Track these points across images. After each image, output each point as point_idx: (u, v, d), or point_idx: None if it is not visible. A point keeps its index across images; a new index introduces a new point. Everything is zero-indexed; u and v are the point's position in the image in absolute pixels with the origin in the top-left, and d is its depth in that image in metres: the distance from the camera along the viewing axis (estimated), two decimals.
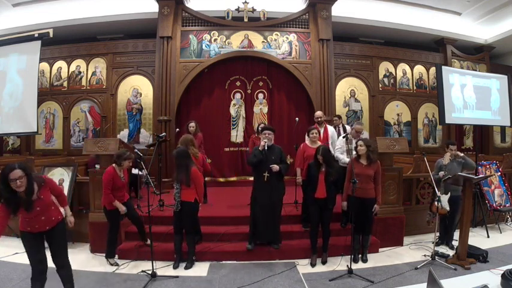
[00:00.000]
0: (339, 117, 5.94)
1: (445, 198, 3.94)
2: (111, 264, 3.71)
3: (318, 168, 3.63)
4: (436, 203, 3.86)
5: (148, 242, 3.75)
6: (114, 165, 3.73)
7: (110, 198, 3.62)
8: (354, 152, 3.92)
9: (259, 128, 4.78)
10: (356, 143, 3.81)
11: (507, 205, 5.14)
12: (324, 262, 3.72)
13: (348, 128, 5.44)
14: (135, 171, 5.22)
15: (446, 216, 4.14)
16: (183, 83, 6.81)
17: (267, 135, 3.85)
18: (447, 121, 5.51)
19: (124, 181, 3.79)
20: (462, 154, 4.23)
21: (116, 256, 3.87)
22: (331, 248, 3.82)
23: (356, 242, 3.81)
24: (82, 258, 3.94)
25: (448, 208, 3.94)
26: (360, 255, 3.85)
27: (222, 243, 3.98)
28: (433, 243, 4.00)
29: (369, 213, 3.71)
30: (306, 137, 4.46)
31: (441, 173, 4.05)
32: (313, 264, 3.70)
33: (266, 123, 7.02)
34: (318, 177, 3.60)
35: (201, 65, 6.86)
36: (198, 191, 3.62)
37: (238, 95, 7.14)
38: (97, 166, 5.12)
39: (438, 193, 3.84)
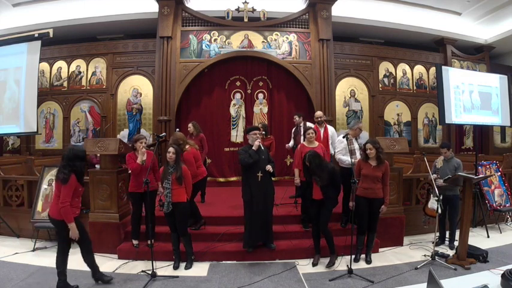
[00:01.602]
0: (299, 115, 5.29)
1: (434, 200, 3.94)
2: (133, 246, 3.97)
3: (309, 173, 3.63)
4: (431, 201, 3.86)
5: (148, 241, 3.76)
6: (133, 152, 3.98)
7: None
8: (358, 152, 3.91)
9: (258, 129, 4.70)
10: (364, 145, 3.79)
11: (507, 205, 5.14)
12: (329, 264, 3.64)
13: (309, 125, 5.10)
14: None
15: (444, 216, 4.14)
16: (183, 83, 6.81)
17: (257, 135, 3.86)
18: (447, 121, 5.51)
19: (138, 164, 3.77)
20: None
21: (136, 242, 4.00)
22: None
23: (360, 243, 3.82)
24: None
25: (435, 209, 3.93)
26: (361, 256, 3.85)
27: (222, 243, 3.98)
28: (433, 243, 4.00)
29: (376, 213, 3.72)
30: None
31: (433, 176, 4.05)
32: (314, 264, 3.69)
33: (266, 123, 7.02)
34: (312, 180, 3.60)
35: (201, 65, 6.86)
36: (188, 190, 3.62)
37: (238, 95, 7.14)
38: (97, 166, 5.12)
39: (436, 193, 3.83)
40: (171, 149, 3.56)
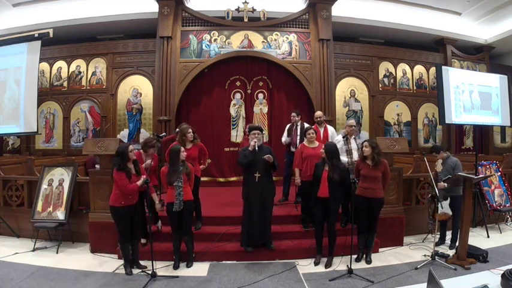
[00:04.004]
0: (298, 113, 5.09)
1: (445, 204, 3.94)
2: (142, 244, 3.94)
3: (322, 166, 3.63)
4: (438, 205, 3.85)
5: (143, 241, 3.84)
6: (141, 151, 4.08)
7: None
8: (356, 153, 3.90)
9: (247, 129, 4.61)
10: (362, 143, 3.80)
11: (507, 205, 5.13)
12: (328, 265, 3.67)
13: (306, 125, 4.98)
14: None
15: (447, 220, 4.14)
16: (183, 83, 6.81)
17: (256, 135, 3.82)
18: (447, 121, 5.50)
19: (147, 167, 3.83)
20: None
21: (144, 241, 3.99)
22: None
23: (361, 242, 3.82)
24: (82, 258, 3.95)
25: (450, 213, 3.95)
26: (363, 256, 3.84)
27: (222, 243, 3.97)
28: (433, 242, 4.00)
29: (376, 212, 3.72)
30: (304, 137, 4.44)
31: (441, 185, 4.00)
32: (316, 263, 3.71)
33: (266, 123, 7.02)
34: (321, 176, 3.59)
35: (201, 65, 6.86)
36: (191, 188, 3.67)
37: (238, 95, 7.13)
38: (97, 166, 5.13)
39: (436, 192, 3.83)
40: (183, 148, 3.65)
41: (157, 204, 3.65)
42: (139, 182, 3.42)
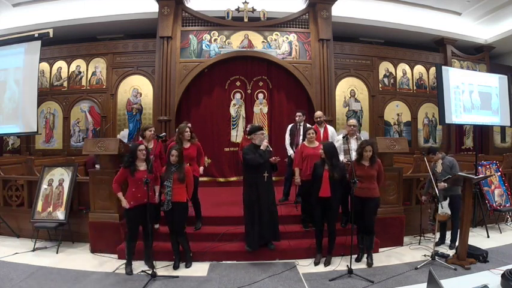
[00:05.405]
0: (303, 113, 5.10)
1: (445, 204, 3.94)
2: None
3: (322, 166, 3.64)
4: (439, 205, 3.85)
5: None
6: (141, 139, 4.16)
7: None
8: (354, 153, 3.90)
9: (247, 129, 4.56)
10: (360, 146, 3.78)
11: (507, 205, 5.13)
12: (327, 263, 3.69)
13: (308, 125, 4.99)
14: None
15: (447, 220, 4.14)
16: (183, 83, 6.81)
17: (263, 135, 3.88)
18: (447, 121, 5.50)
19: (151, 151, 3.84)
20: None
21: (157, 225, 4.11)
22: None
23: (360, 242, 3.82)
24: (82, 258, 3.95)
25: (449, 213, 3.95)
26: (363, 256, 3.83)
27: (222, 243, 3.97)
28: (433, 242, 3.99)
29: (371, 213, 3.70)
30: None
31: (441, 185, 4.00)
32: (316, 263, 3.71)
33: (266, 123, 7.02)
34: (322, 175, 3.59)
35: (201, 65, 6.86)
36: (189, 189, 3.65)
37: (238, 95, 7.13)
38: (97, 166, 5.12)
39: (436, 192, 3.84)
40: (174, 152, 3.59)
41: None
42: (123, 200, 3.45)
